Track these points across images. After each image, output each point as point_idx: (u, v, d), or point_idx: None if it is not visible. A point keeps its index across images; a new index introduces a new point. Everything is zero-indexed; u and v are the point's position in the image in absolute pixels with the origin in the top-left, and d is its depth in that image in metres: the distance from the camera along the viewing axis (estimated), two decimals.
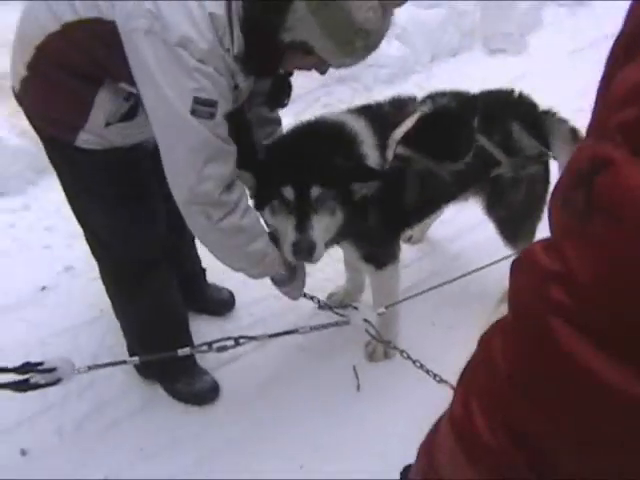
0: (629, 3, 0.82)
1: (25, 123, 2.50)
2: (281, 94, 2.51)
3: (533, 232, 3.33)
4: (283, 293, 2.81)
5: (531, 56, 6.33)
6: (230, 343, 2.35)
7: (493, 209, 3.28)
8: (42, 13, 2.14)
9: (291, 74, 2.46)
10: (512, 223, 3.32)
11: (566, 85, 5.33)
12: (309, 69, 2.30)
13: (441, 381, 2.43)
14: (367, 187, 2.56)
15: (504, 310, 2.28)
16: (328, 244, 2.68)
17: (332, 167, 2.52)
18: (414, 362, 2.52)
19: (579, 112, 5.02)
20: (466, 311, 3.31)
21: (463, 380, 1.00)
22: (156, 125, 2.13)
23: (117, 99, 2.27)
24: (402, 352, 2.56)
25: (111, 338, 3.22)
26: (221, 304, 3.51)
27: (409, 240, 3.91)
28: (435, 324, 3.45)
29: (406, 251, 3.39)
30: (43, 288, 3.59)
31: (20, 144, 3.91)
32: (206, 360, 3.14)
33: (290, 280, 2.67)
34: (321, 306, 2.73)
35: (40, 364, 2.05)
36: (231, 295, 3.53)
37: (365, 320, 2.53)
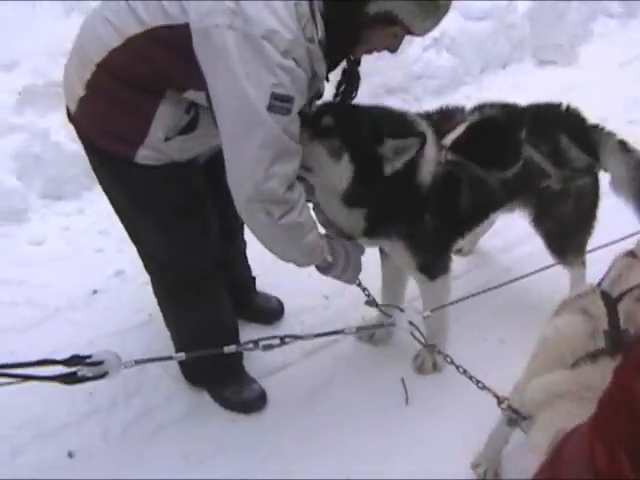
0: None
1: None
2: (351, 84, 2.53)
3: (583, 247, 3.28)
4: (337, 279, 2.70)
5: (581, 68, 6.29)
6: (276, 342, 2.33)
7: (540, 221, 3.24)
8: (102, 30, 2.16)
9: (359, 63, 2.49)
10: (559, 237, 3.27)
11: (616, 97, 5.28)
12: (381, 49, 2.33)
13: (484, 388, 2.39)
14: (401, 156, 2.51)
15: (558, 323, 2.24)
16: (374, 237, 2.77)
17: (360, 115, 2.58)
18: (457, 367, 2.48)
19: (629, 124, 5.00)
20: (518, 325, 3.27)
21: (601, 423, 0.94)
22: (226, 120, 2.12)
23: (178, 112, 2.27)
24: (446, 357, 2.53)
25: (159, 343, 3.22)
26: (270, 313, 3.50)
27: (459, 252, 3.88)
28: (487, 339, 3.41)
29: (456, 263, 3.34)
30: (94, 291, 3.63)
31: (76, 150, 3.91)
32: (254, 369, 3.14)
33: (333, 266, 2.60)
34: (368, 301, 2.71)
35: (88, 357, 2.04)
36: (280, 304, 3.52)
37: (410, 323, 2.51)
